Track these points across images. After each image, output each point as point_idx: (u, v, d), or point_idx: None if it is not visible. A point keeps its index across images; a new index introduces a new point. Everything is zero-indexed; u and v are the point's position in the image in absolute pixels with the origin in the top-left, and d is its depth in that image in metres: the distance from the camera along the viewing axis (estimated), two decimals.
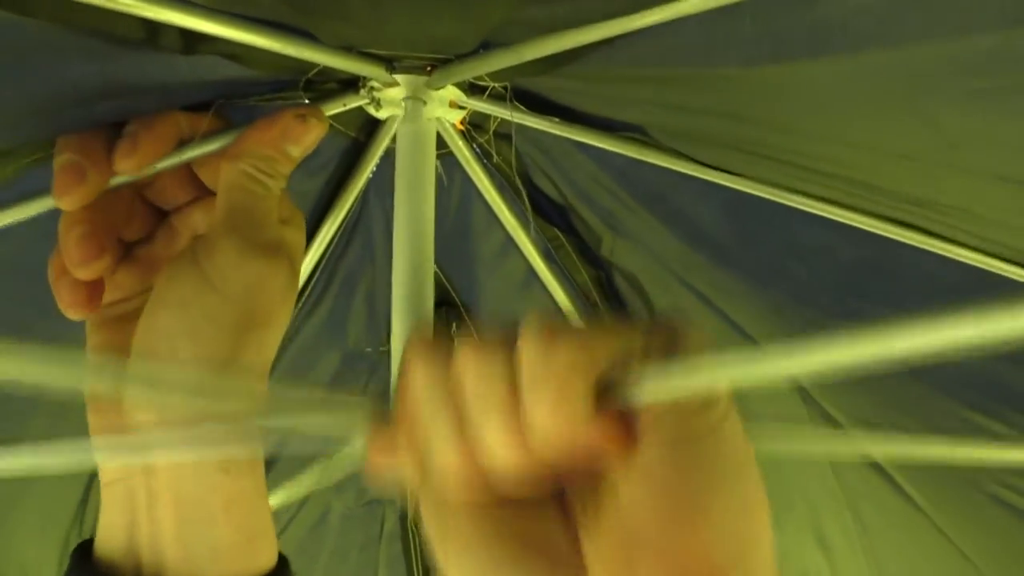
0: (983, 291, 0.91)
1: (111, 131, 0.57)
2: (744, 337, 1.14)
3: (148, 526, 0.53)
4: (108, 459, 0.55)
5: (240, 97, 0.70)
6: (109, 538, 0.55)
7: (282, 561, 0.58)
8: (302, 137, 0.58)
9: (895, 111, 0.67)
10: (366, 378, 1.41)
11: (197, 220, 0.60)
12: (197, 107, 0.63)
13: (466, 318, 1.36)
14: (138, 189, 0.59)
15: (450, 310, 1.37)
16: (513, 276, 1.30)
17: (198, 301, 0.52)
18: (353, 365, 1.40)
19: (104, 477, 0.55)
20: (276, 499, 1.36)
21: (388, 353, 1.36)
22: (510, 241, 1.24)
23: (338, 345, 1.37)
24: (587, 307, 1.27)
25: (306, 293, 1.26)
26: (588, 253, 1.23)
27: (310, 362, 1.37)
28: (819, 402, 1.14)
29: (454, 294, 1.35)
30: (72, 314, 0.56)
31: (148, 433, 0.53)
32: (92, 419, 0.56)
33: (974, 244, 0.87)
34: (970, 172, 0.72)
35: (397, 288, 0.90)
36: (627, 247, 1.17)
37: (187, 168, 0.59)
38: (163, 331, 0.52)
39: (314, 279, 1.25)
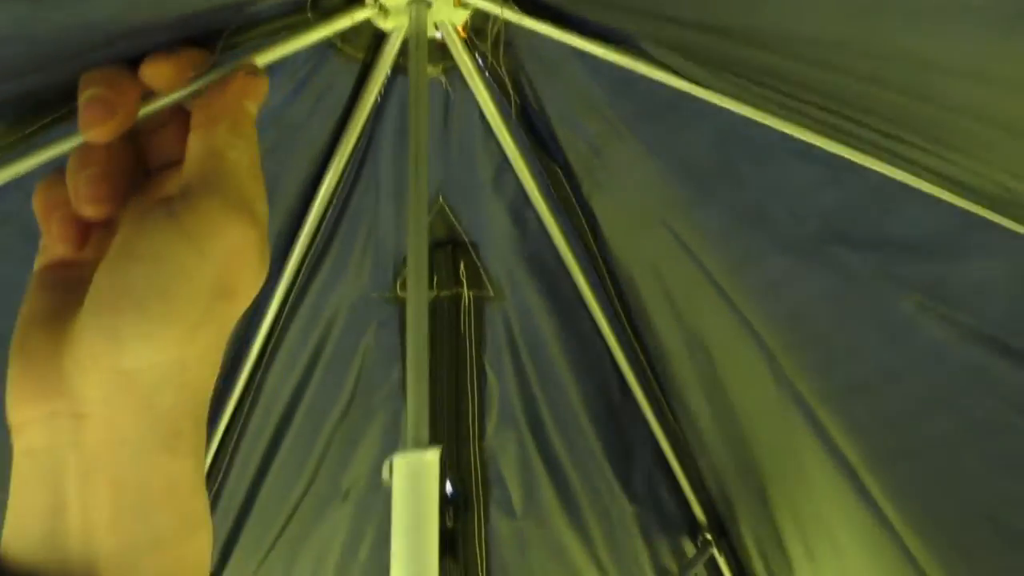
0: (965, 239, 0.89)
1: (131, 68, 0.54)
2: (716, 289, 1.13)
3: (79, 511, 0.47)
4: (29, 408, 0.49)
5: (249, 24, 0.68)
6: (24, 525, 0.48)
7: None
8: (258, 91, 0.55)
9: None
10: (375, 323, 1.40)
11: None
12: (205, 38, 0.61)
13: (472, 255, 1.37)
14: (140, 144, 0.56)
15: (457, 248, 1.37)
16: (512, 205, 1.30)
17: (176, 258, 0.47)
18: (360, 312, 1.39)
19: (21, 441, 0.49)
20: None
21: (395, 299, 1.39)
22: (509, 167, 1.24)
23: (346, 290, 1.36)
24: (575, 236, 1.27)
25: (317, 237, 1.27)
26: (576, 189, 1.23)
27: (323, 307, 1.36)
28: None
29: (462, 232, 1.35)
30: (58, 249, 0.53)
31: None
32: (16, 364, 0.50)
33: (968, 183, 0.84)
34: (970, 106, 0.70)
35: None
36: (610, 183, 1.16)
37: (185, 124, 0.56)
38: (131, 285, 0.47)
39: (324, 221, 1.26)
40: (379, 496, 1.48)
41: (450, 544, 1.51)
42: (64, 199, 0.52)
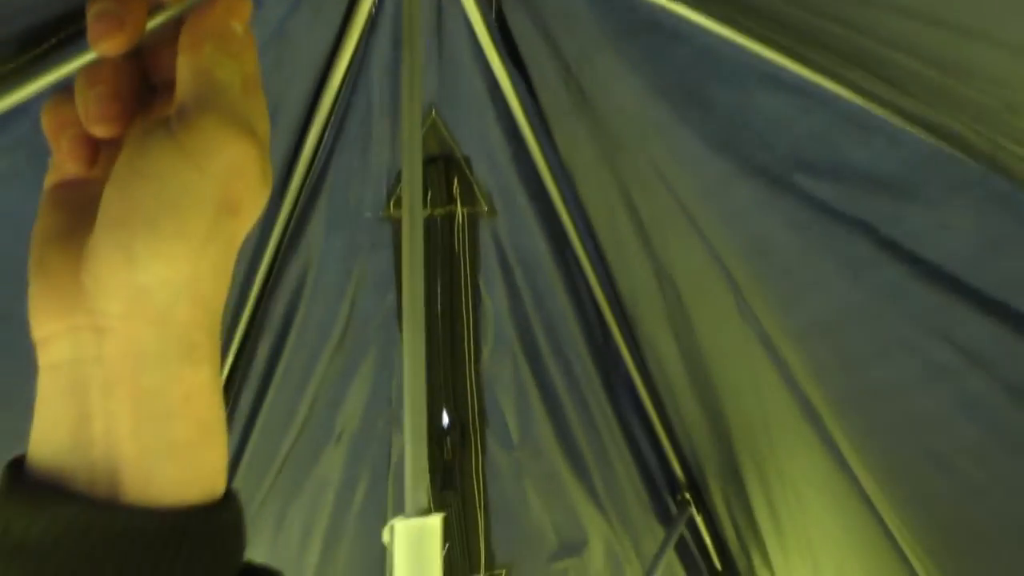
0: (930, 175, 0.85)
1: None
2: (687, 217, 1.08)
3: (103, 420, 0.50)
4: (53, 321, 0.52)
5: None
6: (50, 434, 0.51)
7: (230, 491, 0.55)
8: (242, 10, 0.55)
9: None
10: (368, 245, 1.39)
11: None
12: None
13: (466, 170, 1.35)
14: (144, 62, 0.57)
15: (450, 163, 1.35)
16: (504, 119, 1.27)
17: (178, 176, 0.49)
18: (354, 234, 1.39)
19: (45, 356, 0.52)
20: None
21: (388, 219, 1.38)
22: (496, 87, 1.22)
23: (340, 212, 1.35)
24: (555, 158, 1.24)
25: (316, 156, 1.27)
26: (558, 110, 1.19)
27: (318, 231, 1.36)
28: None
29: (455, 147, 1.33)
30: (69, 167, 0.55)
31: None
32: (36, 281, 0.53)
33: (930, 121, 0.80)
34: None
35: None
36: (589, 103, 1.12)
37: None
38: (141, 202, 0.49)
39: (322, 141, 1.25)
40: (372, 439, 1.49)
41: (448, 476, 1.51)
42: (73, 118, 0.54)
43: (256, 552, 1.46)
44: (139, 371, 0.50)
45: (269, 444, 1.43)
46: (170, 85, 0.56)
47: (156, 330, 0.50)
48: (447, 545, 1.50)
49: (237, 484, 1.44)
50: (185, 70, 0.53)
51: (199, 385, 0.52)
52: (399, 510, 1.49)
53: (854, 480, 1.07)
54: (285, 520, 1.50)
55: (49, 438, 0.50)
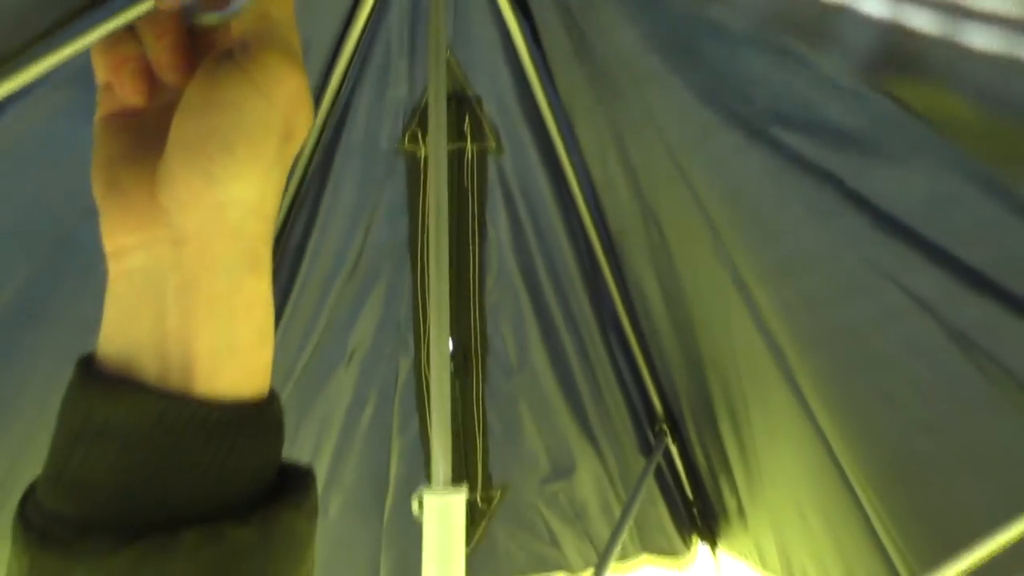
0: (895, 133, 0.90)
1: None
2: (674, 162, 1.14)
3: (177, 321, 0.54)
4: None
5: None
6: (123, 336, 0.55)
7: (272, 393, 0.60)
8: None
9: None
10: (383, 177, 1.45)
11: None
12: None
13: (476, 108, 1.41)
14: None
15: (462, 102, 1.41)
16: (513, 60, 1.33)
17: (250, 105, 0.54)
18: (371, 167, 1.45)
19: (121, 264, 0.56)
20: None
21: (402, 153, 1.44)
22: (506, 31, 1.28)
23: (359, 146, 1.41)
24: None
25: (339, 94, 1.33)
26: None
27: (340, 163, 1.43)
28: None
29: (467, 85, 1.39)
30: (128, 100, 0.58)
31: None
32: (111, 200, 0.56)
33: None
34: None
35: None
36: (588, 54, 1.17)
37: None
38: (218, 129, 0.53)
39: (345, 79, 1.31)
40: (381, 361, 1.56)
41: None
42: (132, 55, 0.57)
43: None
44: (211, 279, 0.54)
45: (285, 362, 1.51)
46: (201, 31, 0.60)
47: (228, 243, 0.54)
48: None
49: None
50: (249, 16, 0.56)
51: (260, 293, 0.56)
52: (404, 431, 1.59)
53: (811, 415, 1.14)
54: (298, 437, 1.57)
55: (123, 336, 0.55)
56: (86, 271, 1.11)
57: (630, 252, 1.39)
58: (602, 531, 1.68)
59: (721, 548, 1.72)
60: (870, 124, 0.91)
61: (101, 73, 0.58)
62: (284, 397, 1.42)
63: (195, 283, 0.54)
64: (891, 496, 1.09)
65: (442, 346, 1.04)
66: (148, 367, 0.54)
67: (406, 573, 1.59)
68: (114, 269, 0.56)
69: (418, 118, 1.40)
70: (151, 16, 0.56)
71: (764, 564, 1.54)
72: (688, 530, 1.74)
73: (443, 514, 0.75)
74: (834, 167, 0.96)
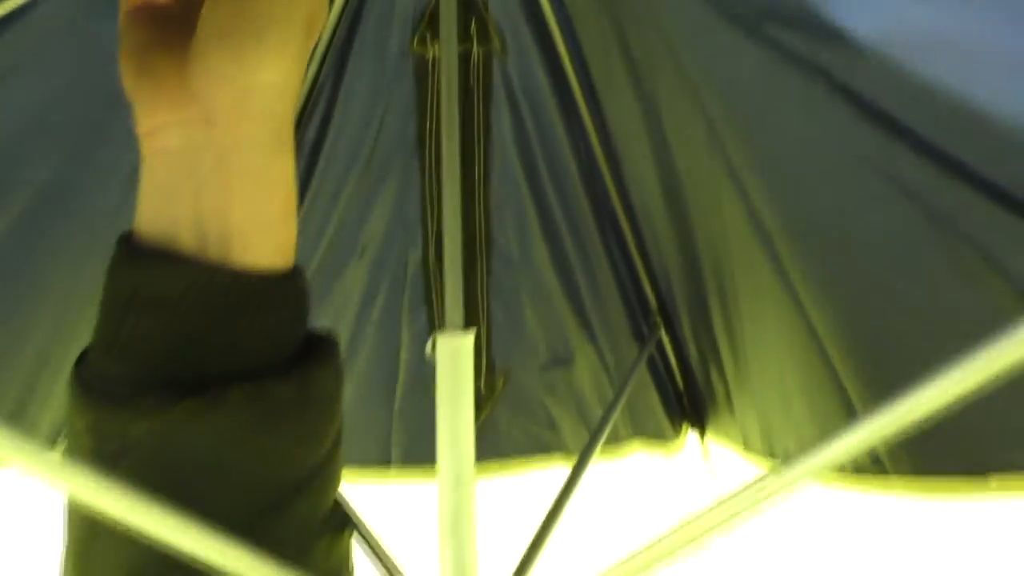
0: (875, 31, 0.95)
1: None
2: (673, 57, 1.19)
3: (213, 197, 0.56)
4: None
5: None
6: (162, 212, 0.57)
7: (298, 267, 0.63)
8: None
9: None
10: (394, 77, 1.48)
11: None
12: None
13: (482, 9, 1.44)
14: None
15: (469, 2, 1.43)
16: None
17: None
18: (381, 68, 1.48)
19: (154, 143, 0.57)
20: None
21: (411, 55, 1.47)
22: None
23: (369, 47, 1.45)
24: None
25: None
26: None
27: (348, 62, 1.46)
28: None
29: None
30: None
31: None
32: (144, 83, 0.57)
33: None
34: None
35: None
36: None
37: None
38: (250, 17, 0.56)
39: None
40: (391, 255, 1.63)
41: None
42: None
43: None
44: (244, 158, 0.57)
45: (302, 255, 1.57)
46: None
47: (258, 124, 0.57)
48: None
49: None
50: None
51: (286, 171, 0.60)
52: (413, 320, 1.67)
53: (796, 299, 1.22)
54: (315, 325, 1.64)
55: (162, 214, 0.57)
56: (111, 161, 1.16)
57: (629, 148, 1.44)
58: (597, 417, 1.75)
59: (709, 436, 1.81)
60: (860, 22, 0.96)
61: None
62: None
63: (228, 162, 0.57)
64: (872, 377, 1.18)
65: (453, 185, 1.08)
66: (187, 242, 0.56)
67: (416, 451, 1.70)
68: (148, 149, 0.58)
69: (427, 21, 1.44)
70: None
71: (748, 447, 1.63)
72: (679, 417, 1.84)
73: (454, 355, 0.82)
74: (823, 63, 1.01)
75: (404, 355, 1.65)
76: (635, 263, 1.63)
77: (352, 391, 1.65)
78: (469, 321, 1.68)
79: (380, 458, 1.72)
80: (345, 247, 1.62)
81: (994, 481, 1.13)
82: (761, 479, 0.52)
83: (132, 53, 0.58)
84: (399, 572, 1.22)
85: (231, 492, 0.56)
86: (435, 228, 1.55)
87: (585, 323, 1.68)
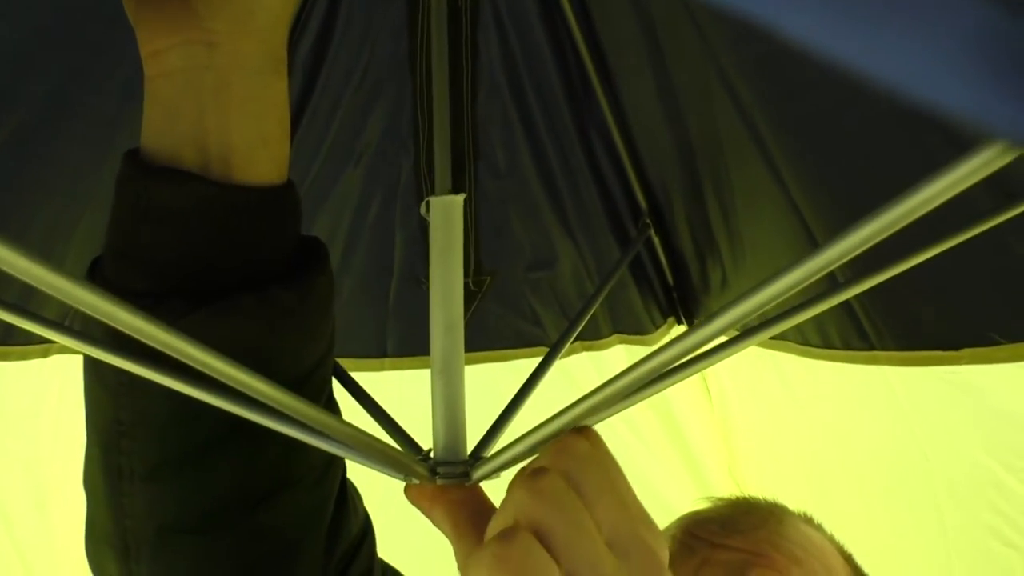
0: None
1: None
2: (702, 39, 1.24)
3: (215, 116, 0.57)
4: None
5: None
6: (167, 131, 0.58)
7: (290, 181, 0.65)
8: None
9: None
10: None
11: None
12: None
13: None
14: None
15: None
16: None
17: None
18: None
19: (157, 65, 0.57)
20: None
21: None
22: None
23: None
24: None
25: None
26: None
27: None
28: None
29: None
30: None
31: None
32: (146, 8, 0.57)
33: None
34: None
35: None
36: None
37: None
38: None
39: None
40: (385, 163, 1.68)
41: None
42: None
43: None
44: (243, 78, 0.58)
45: (302, 163, 1.63)
46: None
47: (257, 46, 0.58)
48: None
49: None
50: None
51: (281, 92, 0.61)
52: (405, 224, 1.73)
53: (787, 191, 1.31)
54: (313, 229, 1.60)
55: (166, 133, 0.59)
56: (111, 72, 1.18)
57: (625, 61, 1.47)
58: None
59: None
60: None
61: None
62: (302, 193, 1.58)
63: (229, 82, 0.58)
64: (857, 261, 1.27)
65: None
66: (191, 159, 0.58)
67: (409, 345, 1.80)
68: (152, 70, 0.59)
69: None
70: None
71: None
72: (663, 313, 1.91)
73: (446, 213, 0.83)
74: None
75: (397, 256, 1.71)
76: (626, 170, 1.67)
77: (348, 290, 1.70)
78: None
79: (376, 350, 1.80)
80: (342, 157, 1.66)
81: (966, 354, 1.26)
82: (684, 334, 0.54)
83: None
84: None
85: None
86: (426, 140, 1.60)
87: (568, 229, 1.74)
